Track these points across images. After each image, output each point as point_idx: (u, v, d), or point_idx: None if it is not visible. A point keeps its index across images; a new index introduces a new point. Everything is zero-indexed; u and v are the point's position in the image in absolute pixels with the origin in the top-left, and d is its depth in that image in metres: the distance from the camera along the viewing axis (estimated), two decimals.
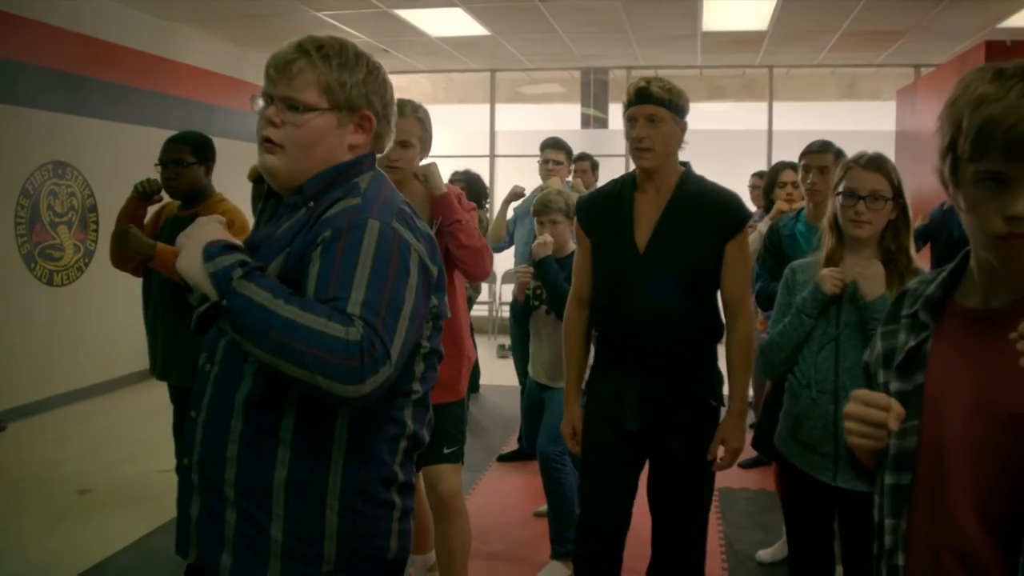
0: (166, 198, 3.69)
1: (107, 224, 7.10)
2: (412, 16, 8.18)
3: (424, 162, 2.98)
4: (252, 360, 1.54)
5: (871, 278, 2.41)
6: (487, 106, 11.40)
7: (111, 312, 7.34)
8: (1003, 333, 1.20)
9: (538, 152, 5.86)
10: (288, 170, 1.62)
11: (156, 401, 7.16)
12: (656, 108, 2.58)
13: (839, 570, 2.75)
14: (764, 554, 3.95)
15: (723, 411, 2.75)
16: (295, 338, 1.38)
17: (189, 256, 1.47)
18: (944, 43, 9.08)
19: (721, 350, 2.74)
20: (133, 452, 5.62)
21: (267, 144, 1.62)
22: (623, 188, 2.74)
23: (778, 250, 3.64)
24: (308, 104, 1.60)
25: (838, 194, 2.52)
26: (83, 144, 7.19)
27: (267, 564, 1.55)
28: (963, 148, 1.21)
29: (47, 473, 5.22)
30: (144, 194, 3.50)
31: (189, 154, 3.44)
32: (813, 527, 2.67)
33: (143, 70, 7.93)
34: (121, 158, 7.42)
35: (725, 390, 2.76)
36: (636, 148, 2.61)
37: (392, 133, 1.78)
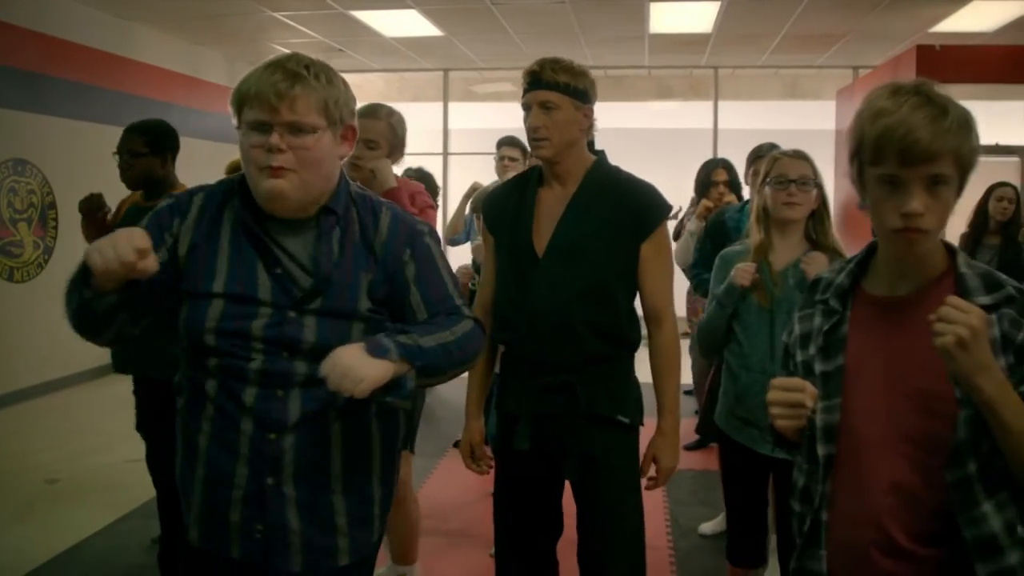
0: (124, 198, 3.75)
1: (66, 221, 7.23)
2: (367, 17, 8.35)
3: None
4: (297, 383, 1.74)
5: (813, 261, 2.65)
6: (440, 104, 11.58)
7: None
8: (909, 318, 1.45)
9: (492, 149, 6.06)
10: (299, 191, 1.69)
11: (117, 395, 7.24)
12: (548, 94, 2.31)
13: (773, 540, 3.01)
14: (706, 527, 4.24)
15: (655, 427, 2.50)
16: (463, 348, 1.78)
17: (365, 366, 1.57)
18: (880, 46, 9.47)
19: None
20: (99, 443, 5.74)
21: (275, 170, 1.65)
22: (528, 182, 2.49)
23: (722, 240, 3.73)
24: (313, 125, 1.67)
25: (769, 183, 2.75)
26: (42, 142, 7.27)
27: (372, 528, 1.88)
28: (865, 155, 1.43)
29: (14, 465, 5.33)
30: (88, 212, 3.54)
31: (142, 145, 3.43)
32: (748, 495, 2.90)
33: (101, 69, 8.02)
34: (80, 156, 7.52)
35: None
36: (531, 139, 2.37)
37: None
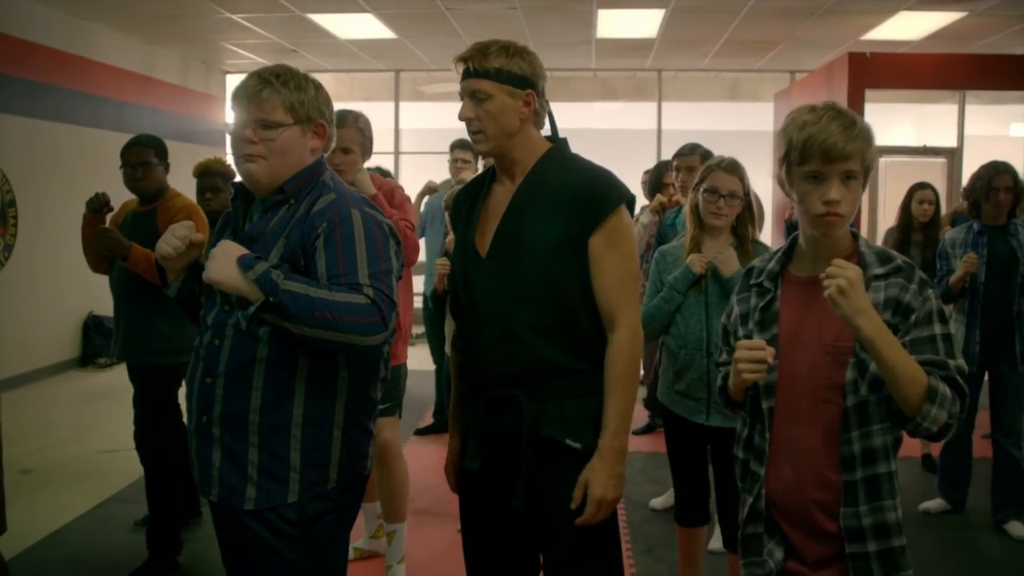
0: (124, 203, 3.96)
1: (26, 219, 7.28)
2: (323, 20, 8.56)
3: (366, 164, 3.42)
4: (266, 328, 1.97)
5: (726, 261, 3.04)
6: (391, 104, 11.78)
7: (31, 304, 7.52)
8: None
9: (442, 150, 6.28)
10: (268, 175, 2.03)
11: (79, 390, 7.42)
12: (478, 82, 2.07)
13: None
14: (656, 502, 4.60)
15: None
16: (332, 312, 1.85)
17: (224, 268, 1.90)
18: (815, 52, 9.95)
19: None
20: (69, 435, 5.90)
21: (248, 156, 2.02)
22: (485, 178, 2.26)
23: (661, 239, 4.48)
24: (278, 122, 2.02)
25: (702, 191, 3.11)
26: (1, 140, 7.33)
27: (287, 488, 2.00)
28: (793, 157, 1.80)
29: None
30: (95, 210, 3.70)
31: (153, 156, 3.70)
32: (689, 460, 3.23)
33: (58, 68, 8.11)
34: (38, 154, 7.62)
35: None
36: (468, 132, 2.15)
37: (335, 136, 2.25)
